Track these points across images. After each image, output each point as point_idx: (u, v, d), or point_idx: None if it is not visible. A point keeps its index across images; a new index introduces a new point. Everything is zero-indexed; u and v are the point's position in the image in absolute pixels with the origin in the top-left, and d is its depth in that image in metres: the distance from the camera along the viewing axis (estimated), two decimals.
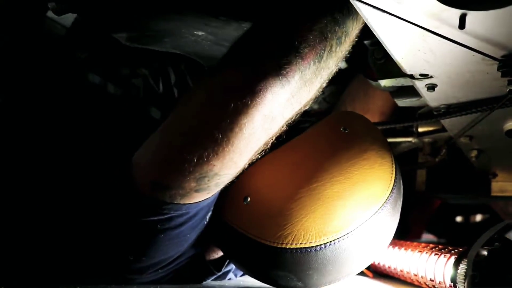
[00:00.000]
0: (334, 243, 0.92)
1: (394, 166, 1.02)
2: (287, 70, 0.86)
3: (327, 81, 0.96)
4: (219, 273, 1.10)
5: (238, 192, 1.01)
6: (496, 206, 1.95)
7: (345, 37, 0.92)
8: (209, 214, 1.01)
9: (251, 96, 0.84)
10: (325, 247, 0.92)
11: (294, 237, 0.92)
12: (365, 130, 1.08)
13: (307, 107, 0.96)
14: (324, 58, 0.90)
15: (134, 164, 0.94)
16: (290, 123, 0.96)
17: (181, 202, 0.92)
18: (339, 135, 1.04)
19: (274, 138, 0.95)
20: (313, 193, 0.95)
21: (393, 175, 1.00)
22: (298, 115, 0.95)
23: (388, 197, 0.97)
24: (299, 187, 0.96)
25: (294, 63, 0.86)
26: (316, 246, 0.92)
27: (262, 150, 0.95)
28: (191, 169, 0.87)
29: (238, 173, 0.95)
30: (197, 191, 0.91)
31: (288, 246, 0.92)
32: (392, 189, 0.99)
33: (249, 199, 0.99)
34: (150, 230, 0.93)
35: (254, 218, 0.98)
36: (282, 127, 0.94)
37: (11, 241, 1.01)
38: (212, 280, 1.12)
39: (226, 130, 0.85)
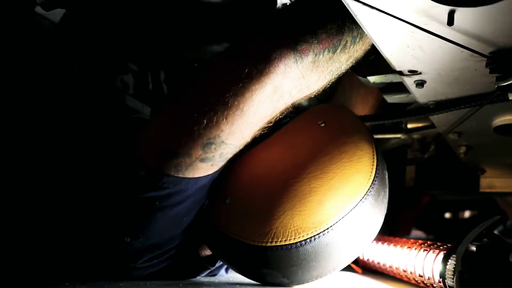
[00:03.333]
0: (314, 238, 0.92)
1: (375, 157, 1.01)
2: (303, 47, 0.91)
3: (334, 78, 1.01)
4: (213, 268, 1.11)
5: (219, 192, 1.02)
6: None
7: (359, 39, 0.96)
8: (204, 201, 1.02)
9: (265, 63, 0.89)
10: (305, 243, 0.92)
11: (274, 234, 0.92)
12: (344, 122, 1.08)
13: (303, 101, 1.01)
14: (338, 51, 0.95)
15: (139, 137, 0.98)
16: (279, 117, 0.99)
17: (184, 175, 0.94)
18: (317, 130, 1.05)
19: (277, 118, 0.99)
20: (290, 190, 0.95)
21: (374, 167, 0.99)
22: (298, 104, 1.01)
23: (368, 189, 0.97)
24: (276, 185, 0.97)
25: (310, 43, 0.92)
26: (296, 242, 0.92)
27: (264, 128, 0.99)
28: (200, 132, 0.90)
29: (241, 146, 0.98)
30: (202, 160, 0.93)
31: (268, 244, 0.93)
32: (373, 181, 0.98)
33: (228, 199, 1.00)
34: (148, 207, 0.95)
35: (234, 218, 0.99)
36: (286, 109, 0.98)
37: (7, 235, 1.02)
38: (206, 274, 1.12)
39: (237, 94, 0.90)
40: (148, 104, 1.29)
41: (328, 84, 1.02)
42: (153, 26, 1.16)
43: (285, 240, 0.92)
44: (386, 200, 1.04)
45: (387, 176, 1.05)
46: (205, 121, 0.90)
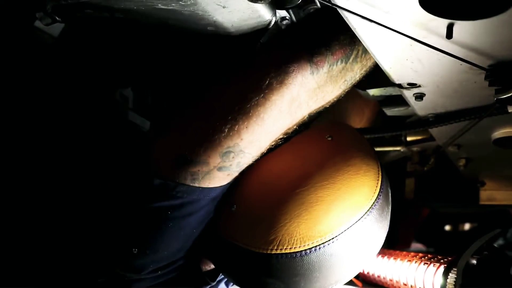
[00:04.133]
0: (319, 248, 0.92)
1: (380, 173, 1.01)
2: (318, 59, 0.94)
3: (348, 88, 1.04)
4: (213, 283, 1.10)
5: (226, 200, 1.02)
6: None
7: None
8: (213, 214, 1.02)
9: (284, 75, 0.93)
10: (310, 252, 0.92)
11: (279, 242, 0.92)
12: (350, 138, 1.09)
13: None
14: (351, 60, 0.98)
15: (154, 145, 0.98)
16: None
17: (199, 185, 0.94)
18: (324, 143, 1.05)
19: (293, 129, 1.01)
20: (297, 198, 0.95)
21: (379, 182, 0.99)
22: (316, 113, 1.04)
23: (373, 203, 0.97)
24: (283, 193, 0.97)
25: (325, 55, 0.95)
26: (301, 251, 0.92)
27: (279, 140, 1.01)
28: (221, 140, 0.92)
29: (257, 156, 0.99)
30: (219, 169, 0.94)
31: (273, 251, 0.92)
32: (378, 195, 0.98)
33: (235, 206, 1.00)
34: (160, 217, 0.95)
35: (240, 225, 0.98)
36: (303, 118, 1.01)
37: (12, 240, 1.02)
38: None
39: (259, 103, 0.92)
40: (148, 118, 1.29)
41: (343, 94, 1.04)
42: (156, 52, 1.17)
43: (290, 248, 0.92)
44: (389, 217, 1.03)
45: (390, 194, 1.05)
46: (226, 130, 0.92)
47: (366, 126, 1.50)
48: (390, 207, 1.04)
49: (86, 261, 1.00)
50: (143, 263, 0.99)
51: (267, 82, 0.92)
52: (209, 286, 1.10)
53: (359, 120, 1.54)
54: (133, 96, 1.29)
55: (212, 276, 1.09)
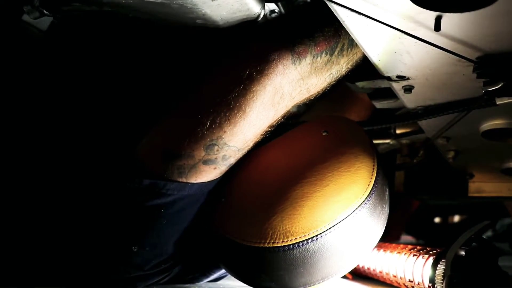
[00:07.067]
0: (303, 244, 0.91)
1: (375, 170, 0.98)
2: (300, 49, 0.94)
3: (334, 82, 1.03)
4: (221, 270, 1.12)
5: (217, 192, 1.02)
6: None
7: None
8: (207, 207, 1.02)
9: (264, 64, 0.92)
10: (293, 247, 0.91)
11: (262, 236, 0.92)
12: (347, 134, 1.07)
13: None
14: (336, 53, 0.97)
15: (141, 143, 0.99)
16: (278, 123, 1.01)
17: (187, 180, 0.95)
18: (319, 138, 1.04)
19: (279, 121, 1.01)
20: (283, 193, 0.95)
21: (372, 180, 0.97)
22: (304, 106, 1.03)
23: (363, 201, 0.94)
24: (270, 187, 0.97)
25: (307, 45, 0.94)
26: (284, 246, 0.91)
27: (266, 132, 1.00)
28: (203, 133, 0.92)
29: (244, 150, 0.99)
30: (205, 162, 0.94)
31: (256, 245, 0.92)
32: (369, 194, 0.95)
33: (224, 198, 1.01)
34: (154, 215, 0.95)
35: (227, 216, 0.99)
36: (288, 111, 1.00)
37: (9, 241, 1.01)
38: (213, 278, 1.14)
39: (239, 95, 0.92)
40: (139, 114, 1.28)
41: (328, 87, 1.04)
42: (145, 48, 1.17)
43: (272, 243, 0.91)
44: (384, 217, 1.02)
45: (387, 193, 1.03)
46: (208, 122, 0.92)
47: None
48: (386, 207, 1.02)
49: (88, 262, 1.00)
50: (144, 259, 0.99)
51: (247, 72, 0.92)
52: (216, 275, 1.12)
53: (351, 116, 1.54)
54: (123, 91, 1.29)
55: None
